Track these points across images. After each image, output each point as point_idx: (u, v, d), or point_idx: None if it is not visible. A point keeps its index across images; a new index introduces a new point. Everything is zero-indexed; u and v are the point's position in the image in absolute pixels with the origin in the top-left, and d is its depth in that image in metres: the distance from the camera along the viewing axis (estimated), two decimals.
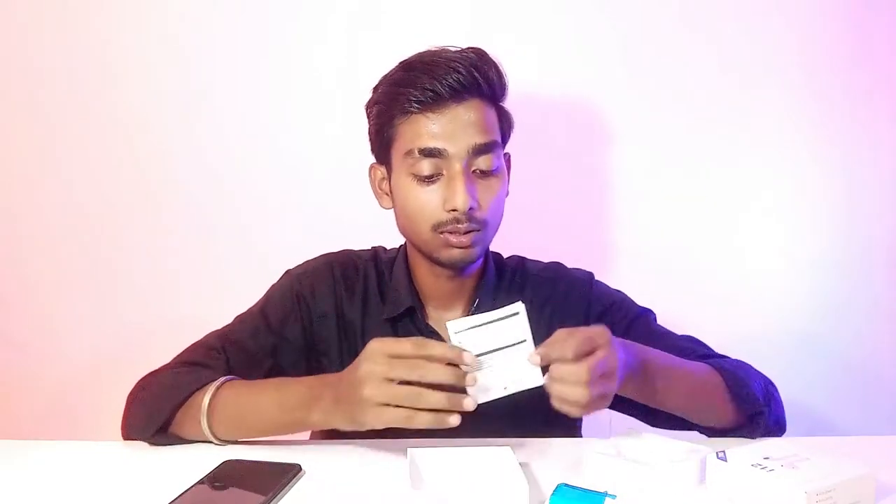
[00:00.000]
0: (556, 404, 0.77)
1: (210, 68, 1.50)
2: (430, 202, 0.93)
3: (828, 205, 1.52)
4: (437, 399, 0.75)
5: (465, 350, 0.77)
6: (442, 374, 0.76)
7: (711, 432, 0.95)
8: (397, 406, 0.75)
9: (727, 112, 1.49)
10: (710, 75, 1.47)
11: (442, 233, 0.94)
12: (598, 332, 0.79)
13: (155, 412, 0.90)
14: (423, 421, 0.75)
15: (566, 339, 0.77)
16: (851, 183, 1.51)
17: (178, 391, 0.90)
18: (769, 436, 0.93)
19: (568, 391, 0.76)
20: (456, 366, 0.77)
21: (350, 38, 1.47)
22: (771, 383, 0.98)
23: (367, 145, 1.02)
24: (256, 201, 1.52)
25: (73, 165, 1.53)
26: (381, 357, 0.76)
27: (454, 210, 0.91)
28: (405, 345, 0.77)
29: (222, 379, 0.91)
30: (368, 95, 1.00)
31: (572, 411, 0.77)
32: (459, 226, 0.92)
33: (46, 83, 1.51)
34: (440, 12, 1.46)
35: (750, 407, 0.92)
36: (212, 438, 0.89)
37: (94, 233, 1.54)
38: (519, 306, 0.80)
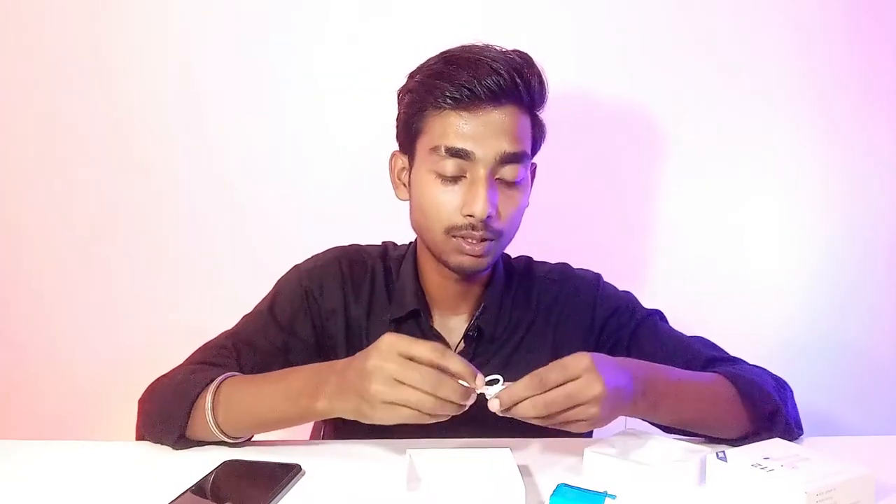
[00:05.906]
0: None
1: (210, 69, 1.50)
2: (449, 203, 0.90)
3: (828, 205, 1.52)
4: (446, 408, 0.72)
5: (478, 372, 0.74)
6: (452, 392, 0.71)
7: (729, 442, 0.89)
8: (405, 406, 0.71)
9: (726, 112, 1.49)
10: (708, 78, 1.47)
11: (455, 237, 0.91)
12: (574, 360, 0.73)
13: (170, 418, 0.86)
14: (431, 420, 0.73)
15: (532, 377, 0.72)
16: (851, 183, 1.51)
17: (188, 394, 0.86)
18: (789, 436, 0.88)
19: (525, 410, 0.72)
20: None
21: (351, 39, 1.47)
22: (786, 384, 0.94)
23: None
24: (258, 203, 1.52)
25: (72, 166, 1.53)
26: (393, 355, 0.72)
27: (471, 216, 0.88)
28: (422, 349, 0.72)
29: (223, 376, 0.87)
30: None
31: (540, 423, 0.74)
32: (474, 232, 0.89)
33: (47, 85, 1.51)
34: (441, 13, 1.46)
35: (765, 406, 0.87)
36: (222, 437, 0.85)
37: (95, 234, 1.54)
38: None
